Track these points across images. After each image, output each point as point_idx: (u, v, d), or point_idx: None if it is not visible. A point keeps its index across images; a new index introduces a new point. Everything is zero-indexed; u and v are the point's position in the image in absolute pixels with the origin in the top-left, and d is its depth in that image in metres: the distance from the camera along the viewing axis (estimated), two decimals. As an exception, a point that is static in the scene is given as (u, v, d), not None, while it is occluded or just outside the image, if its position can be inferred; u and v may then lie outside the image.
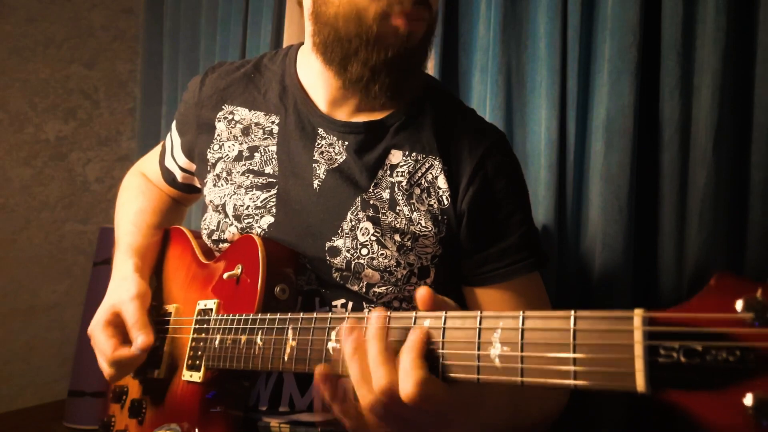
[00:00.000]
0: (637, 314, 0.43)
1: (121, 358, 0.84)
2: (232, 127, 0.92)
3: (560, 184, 1.37)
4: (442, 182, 0.83)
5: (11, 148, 2.55)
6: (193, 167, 1.00)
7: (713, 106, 1.14)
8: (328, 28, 0.79)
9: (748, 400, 0.38)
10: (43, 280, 2.64)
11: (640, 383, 0.42)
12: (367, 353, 0.55)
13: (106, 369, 0.86)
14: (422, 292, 0.57)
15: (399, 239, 0.81)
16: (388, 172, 0.84)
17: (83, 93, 2.76)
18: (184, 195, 1.11)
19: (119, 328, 0.87)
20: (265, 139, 0.89)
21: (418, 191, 0.83)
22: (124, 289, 0.89)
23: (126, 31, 2.88)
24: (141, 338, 0.83)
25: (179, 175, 1.05)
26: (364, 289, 0.81)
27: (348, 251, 0.81)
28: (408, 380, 0.51)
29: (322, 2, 0.79)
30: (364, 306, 0.83)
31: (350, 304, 0.83)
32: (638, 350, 0.42)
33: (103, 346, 0.85)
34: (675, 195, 1.22)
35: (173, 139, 1.03)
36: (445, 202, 0.83)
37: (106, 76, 2.83)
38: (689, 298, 0.43)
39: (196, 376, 0.80)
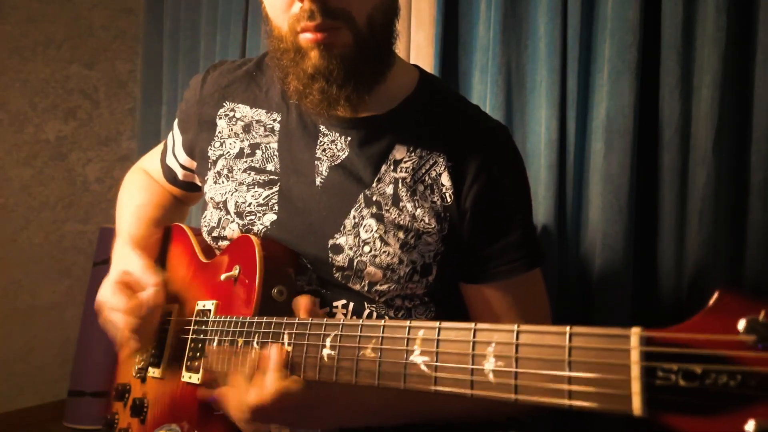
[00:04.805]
0: (634, 333, 0.42)
1: (136, 307, 0.84)
2: (233, 125, 0.92)
3: (560, 184, 1.37)
4: (445, 179, 0.83)
5: (11, 148, 2.55)
6: (194, 165, 1.00)
7: (713, 106, 1.14)
8: (271, 48, 0.82)
9: (750, 426, 0.36)
10: (43, 280, 2.64)
11: (637, 406, 0.40)
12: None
13: (123, 324, 0.85)
14: (304, 302, 0.71)
15: (402, 236, 0.81)
16: (392, 167, 0.84)
17: (83, 93, 2.76)
18: (185, 193, 1.11)
19: (129, 287, 0.88)
20: (266, 136, 0.89)
21: (421, 188, 0.83)
22: (128, 261, 0.92)
23: (126, 31, 2.88)
24: (152, 278, 0.86)
25: (180, 173, 1.06)
26: (366, 288, 0.81)
27: (351, 249, 0.80)
28: (270, 386, 0.65)
29: (266, 23, 0.81)
30: (366, 306, 0.83)
31: (351, 304, 0.83)
32: (635, 371, 0.41)
33: (115, 302, 0.85)
34: (675, 195, 1.22)
35: (175, 137, 1.04)
36: (449, 200, 0.82)
37: (106, 76, 2.83)
38: (689, 300, 0.42)
39: (195, 378, 0.80)
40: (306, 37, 0.74)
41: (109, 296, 0.87)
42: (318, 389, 0.67)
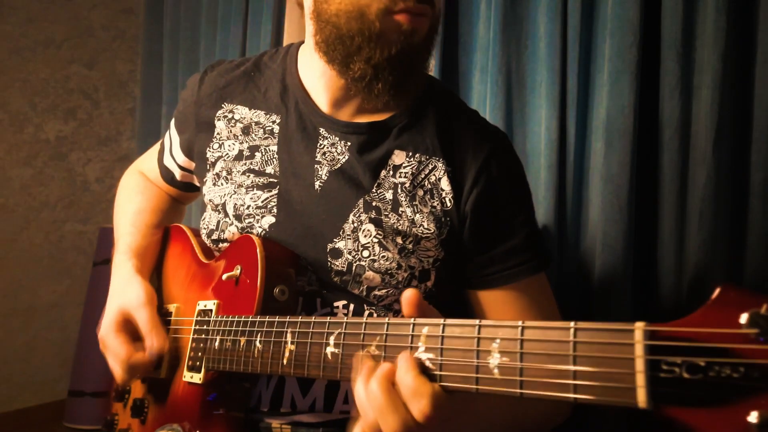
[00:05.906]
0: (638, 327, 0.42)
1: (136, 363, 0.85)
2: (231, 126, 0.91)
3: (560, 184, 1.37)
4: (445, 184, 0.83)
5: (11, 148, 2.55)
6: (192, 165, 1.00)
7: (713, 106, 1.14)
8: (330, 26, 0.78)
9: (753, 417, 0.37)
10: (43, 280, 2.64)
11: (642, 399, 0.41)
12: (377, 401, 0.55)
13: (119, 373, 0.86)
14: (408, 295, 0.58)
15: (401, 242, 0.81)
16: (391, 172, 0.84)
17: (83, 93, 2.76)
18: (183, 193, 1.11)
19: (131, 333, 0.87)
20: (265, 138, 0.89)
21: (421, 193, 0.83)
22: (131, 293, 0.89)
23: (126, 31, 2.88)
24: (156, 343, 0.84)
25: (178, 174, 1.05)
26: (364, 292, 0.81)
27: (350, 253, 0.80)
28: (420, 400, 0.52)
29: (323, 0, 0.78)
30: (365, 308, 0.83)
31: (351, 306, 0.83)
32: (639, 365, 0.41)
33: (118, 351, 0.85)
34: (675, 195, 1.22)
35: (172, 137, 1.03)
36: (449, 204, 0.82)
37: (106, 76, 2.83)
38: (689, 300, 0.42)
39: (197, 377, 0.80)
40: (397, 19, 0.74)
41: (109, 337, 0.88)
42: (458, 400, 0.56)
